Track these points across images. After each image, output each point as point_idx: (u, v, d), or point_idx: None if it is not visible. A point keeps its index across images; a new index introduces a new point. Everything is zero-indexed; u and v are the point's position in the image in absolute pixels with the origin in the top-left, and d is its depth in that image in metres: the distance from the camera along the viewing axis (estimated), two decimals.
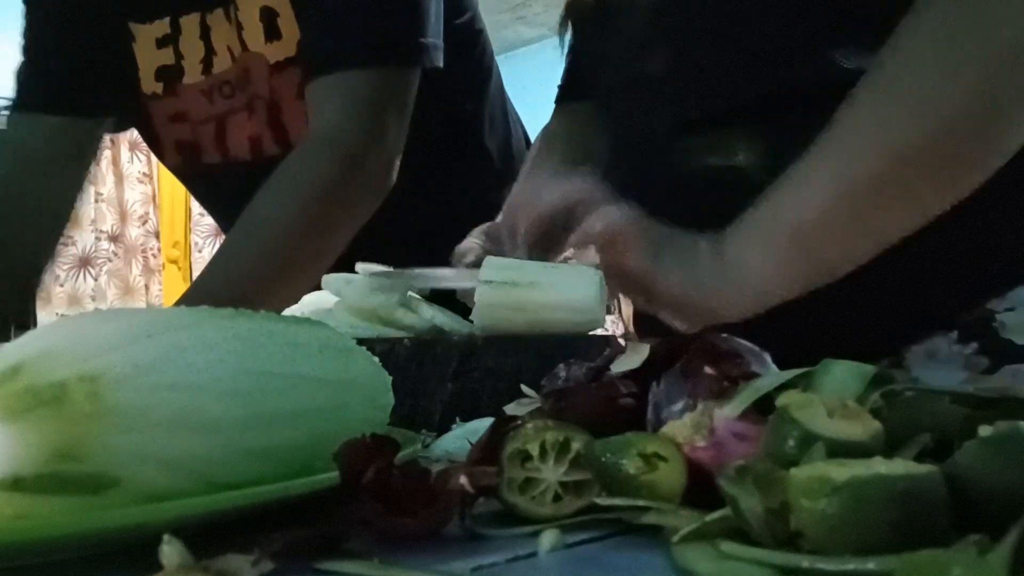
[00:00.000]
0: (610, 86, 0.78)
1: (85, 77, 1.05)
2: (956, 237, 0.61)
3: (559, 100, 0.98)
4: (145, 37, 1.03)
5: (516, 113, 1.18)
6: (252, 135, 1.02)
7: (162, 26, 1.02)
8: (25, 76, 1.08)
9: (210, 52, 1.01)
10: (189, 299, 0.83)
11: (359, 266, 0.69)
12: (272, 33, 0.98)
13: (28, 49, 1.08)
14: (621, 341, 0.58)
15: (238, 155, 1.04)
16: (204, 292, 0.84)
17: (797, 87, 0.63)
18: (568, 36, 0.87)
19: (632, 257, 0.59)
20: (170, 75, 1.04)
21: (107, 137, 1.14)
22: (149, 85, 1.05)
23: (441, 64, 0.94)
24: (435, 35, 0.94)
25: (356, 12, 0.91)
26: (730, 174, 0.65)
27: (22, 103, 1.07)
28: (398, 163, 0.93)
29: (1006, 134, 0.55)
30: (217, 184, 1.08)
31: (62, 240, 1.13)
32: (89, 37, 1.04)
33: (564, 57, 0.96)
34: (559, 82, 0.98)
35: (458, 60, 1.05)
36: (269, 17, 0.98)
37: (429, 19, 0.93)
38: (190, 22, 1.01)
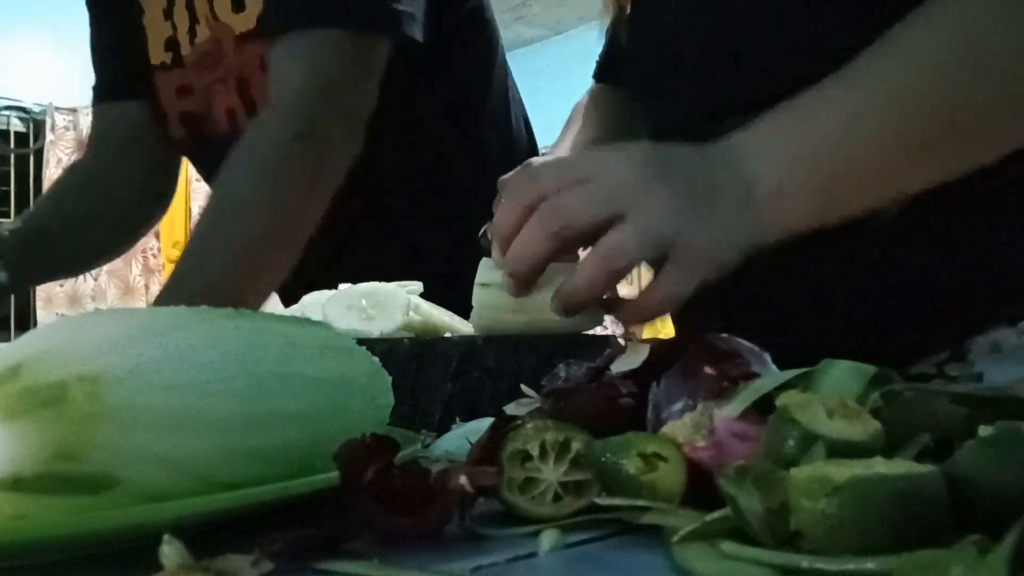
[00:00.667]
0: (647, 69, 0.78)
1: (130, 59, 1.07)
2: (1017, 224, 0.60)
3: (596, 78, 0.97)
4: (153, 9, 1.04)
5: (521, 107, 1.16)
6: (229, 107, 1.02)
7: None
8: (96, 68, 1.13)
9: (194, 22, 1.01)
10: (166, 297, 0.82)
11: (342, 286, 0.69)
12: (238, 3, 0.96)
13: (92, 47, 1.13)
14: (621, 341, 0.58)
15: (221, 128, 1.03)
16: (182, 290, 0.82)
17: (835, 70, 0.62)
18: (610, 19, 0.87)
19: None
20: (175, 46, 1.04)
21: None
22: (158, 55, 1.06)
23: (419, 37, 0.90)
24: (411, 5, 0.90)
25: None
26: None
27: (96, 94, 1.12)
28: (361, 138, 0.89)
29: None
30: (211, 160, 1.09)
31: None
32: (117, 19, 1.07)
33: (604, 36, 0.94)
34: (597, 59, 0.98)
35: (462, 47, 1.05)
36: None
37: None
38: None
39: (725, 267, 0.52)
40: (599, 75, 0.97)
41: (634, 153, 0.53)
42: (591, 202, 0.50)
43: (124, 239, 1.18)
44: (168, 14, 1.03)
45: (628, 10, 0.80)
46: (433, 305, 0.68)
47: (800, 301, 0.65)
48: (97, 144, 1.15)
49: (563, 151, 0.87)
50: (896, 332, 0.63)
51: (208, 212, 0.86)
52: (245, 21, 0.96)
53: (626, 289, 0.59)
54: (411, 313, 0.66)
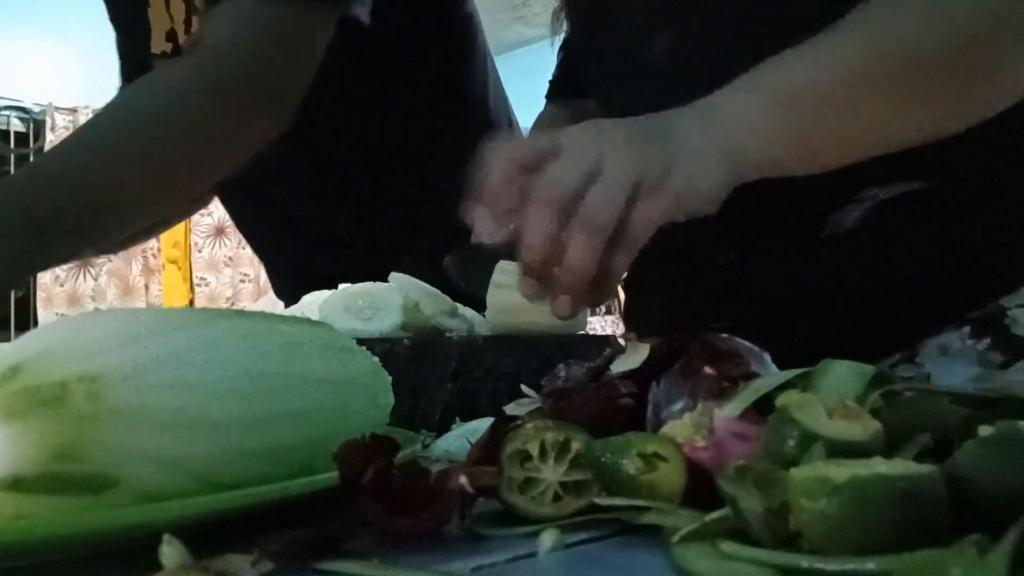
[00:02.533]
0: (612, 78, 0.78)
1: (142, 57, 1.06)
2: (967, 232, 0.61)
3: (550, 96, 0.97)
4: (156, 1, 1.03)
5: (508, 109, 1.15)
6: None
7: None
8: (118, 53, 1.11)
9: (190, 12, 1.00)
10: (29, 180, 0.75)
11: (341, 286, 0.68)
12: None
13: (118, 50, 1.12)
14: (621, 341, 0.58)
15: None
16: (44, 180, 0.74)
17: None
18: (562, 31, 0.86)
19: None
20: (174, 36, 1.04)
21: None
22: (159, 45, 1.04)
23: (363, 18, 0.86)
24: None
25: None
26: None
27: (122, 79, 1.11)
28: (292, 104, 0.84)
29: (1012, 67, 0.55)
30: None
31: None
32: (127, 16, 1.06)
33: (557, 53, 0.94)
34: (550, 78, 0.97)
35: (438, 40, 1.04)
36: None
37: None
38: None
39: (703, 197, 0.53)
40: (552, 93, 0.97)
41: (620, 126, 0.55)
42: (612, 193, 0.51)
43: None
44: (167, 6, 1.03)
45: (583, 24, 0.80)
46: (438, 293, 0.68)
47: (761, 303, 0.66)
48: None
49: None
50: (854, 335, 0.64)
51: (100, 116, 0.80)
52: None
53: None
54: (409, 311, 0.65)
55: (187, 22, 1.00)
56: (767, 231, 0.66)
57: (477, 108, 1.08)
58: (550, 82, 0.97)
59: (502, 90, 1.13)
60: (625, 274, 0.56)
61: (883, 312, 0.65)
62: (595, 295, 0.55)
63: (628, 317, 0.83)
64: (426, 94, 1.02)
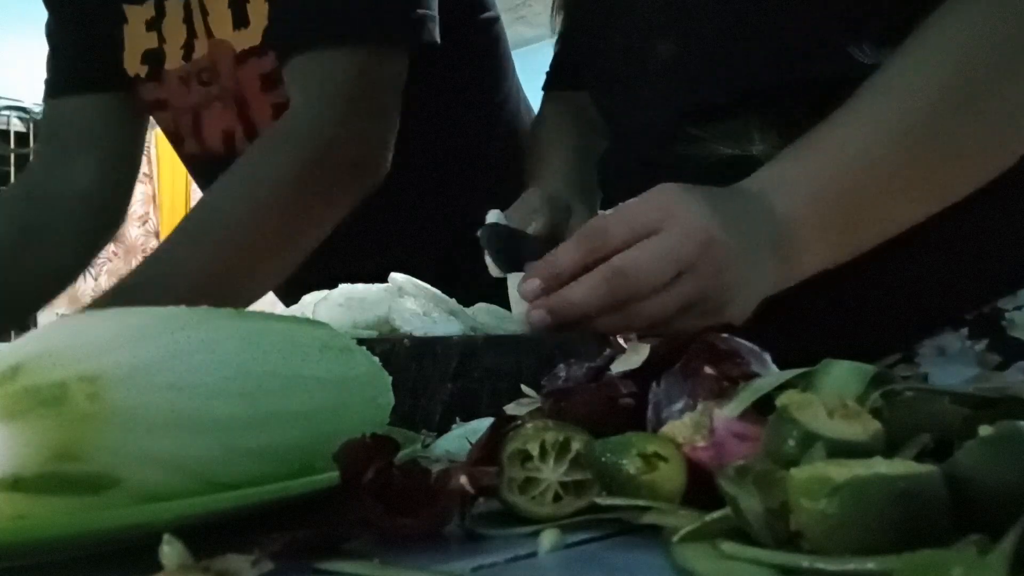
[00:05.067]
0: (611, 77, 0.78)
1: (93, 56, 1.04)
2: (964, 235, 0.61)
3: (548, 87, 0.97)
4: (136, 19, 1.00)
5: (528, 105, 1.14)
6: (226, 128, 0.98)
7: (150, 8, 0.98)
8: (50, 62, 1.08)
9: (191, 36, 0.96)
10: (126, 292, 0.76)
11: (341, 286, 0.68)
12: (240, 20, 0.90)
13: (49, 37, 1.08)
14: (621, 341, 0.58)
15: (213, 147, 0.99)
16: (151, 287, 0.76)
17: (814, 78, 0.62)
18: (560, 22, 0.86)
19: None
20: (154, 59, 1.00)
21: (148, 127, 1.12)
22: (133, 66, 1.01)
23: (436, 39, 0.84)
24: (428, 6, 0.84)
25: None
26: (745, 163, 0.65)
27: (49, 89, 1.07)
28: (388, 156, 0.83)
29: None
30: (200, 175, 1.05)
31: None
32: (90, 18, 1.03)
33: (555, 44, 0.94)
34: (548, 69, 0.97)
35: (474, 59, 1.03)
36: (239, 2, 0.90)
37: None
38: (174, 4, 0.96)
39: (735, 320, 0.55)
40: (550, 84, 0.97)
41: (694, 203, 0.55)
42: (657, 259, 0.52)
43: (80, 252, 1.07)
44: (153, 25, 0.99)
45: (584, 23, 0.80)
46: (437, 293, 0.68)
47: (803, 303, 0.66)
48: (46, 146, 1.07)
49: (548, 183, 0.85)
50: (852, 335, 0.65)
51: (191, 217, 0.81)
52: (248, 38, 0.91)
53: None
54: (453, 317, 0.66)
55: (187, 47, 0.97)
56: None
57: (498, 111, 1.07)
58: (547, 73, 0.97)
59: (522, 90, 1.12)
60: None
61: (881, 313, 0.65)
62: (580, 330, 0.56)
63: None
64: (450, 100, 1.02)
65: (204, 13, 0.94)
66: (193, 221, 0.82)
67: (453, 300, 0.68)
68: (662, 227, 0.52)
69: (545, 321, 0.55)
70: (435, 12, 0.84)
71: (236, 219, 0.80)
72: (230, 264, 0.79)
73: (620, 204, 0.55)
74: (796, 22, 0.64)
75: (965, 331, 0.65)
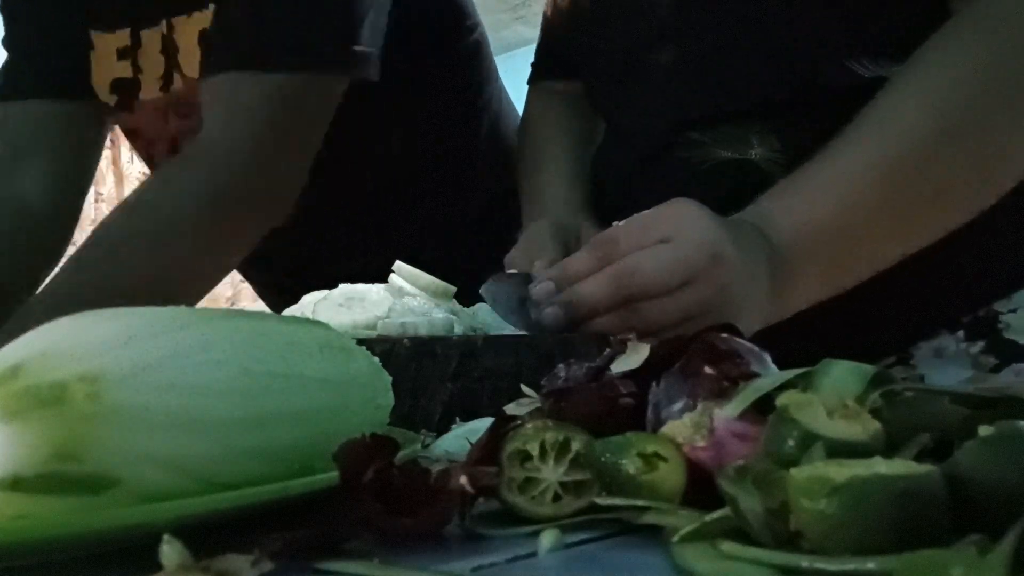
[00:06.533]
0: (614, 75, 0.77)
1: (53, 68, 0.99)
2: (961, 238, 0.61)
3: (533, 80, 0.96)
4: (104, 47, 0.96)
5: (514, 111, 1.14)
6: None
7: (123, 36, 0.95)
8: (5, 66, 1.03)
9: (171, 67, 0.93)
10: (31, 314, 0.71)
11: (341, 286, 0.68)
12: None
13: (7, 47, 1.04)
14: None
15: None
16: (50, 305, 0.73)
17: (813, 86, 0.63)
18: (552, 12, 0.86)
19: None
20: (127, 88, 0.96)
21: (107, 137, 1.09)
22: (103, 95, 0.98)
23: (375, 77, 0.81)
24: (370, 43, 0.80)
25: (272, 13, 0.78)
26: (744, 167, 0.65)
27: (2, 92, 1.02)
28: (296, 192, 0.80)
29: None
30: None
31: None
32: (51, 37, 0.99)
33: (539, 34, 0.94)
34: (532, 61, 0.97)
35: (456, 65, 1.02)
36: (208, 41, 0.87)
37: (361, 23, 0.79)
38: (151, 35, 0.93)
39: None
40: (535, 76, 0.96)
41: (706, 218, 0.56)
42: (666, 264, 0.53)
43: (24, 267, 0.97)
44: (126, 55, 0.94)
45: (589, 23, 0.80)
46: (438, 283, 0.68)
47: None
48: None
49: (553, 197, 0.84)
50: (849, 337, 0.65)
51: (96, 238, 0.78)
52: None
53: None
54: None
55: (165, 78, 0.93)
56: None
57: (485, 116, 1.07)
58: (532, 65, 0.96)
59: (505, 91, 1.12)
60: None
61: (878, 315, 0.65)
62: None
63: None
64: (434, 104, 1.01)
65: (175, 50, 0.91)
66: (95, 244, 0.78)
67: (453, 300, 0.69)
68: (673, 237, 0.53)
69: (559, 319, 0.56)
70: (375, 48, 0.82)
71: (138, 243, 0.77)
72: (128, 288, 0.76)
73: (633, 216, 0.56)
74: (796, 33, 0.64)
75: (961, 333, 0.65)
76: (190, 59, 0.90)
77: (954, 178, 0.57)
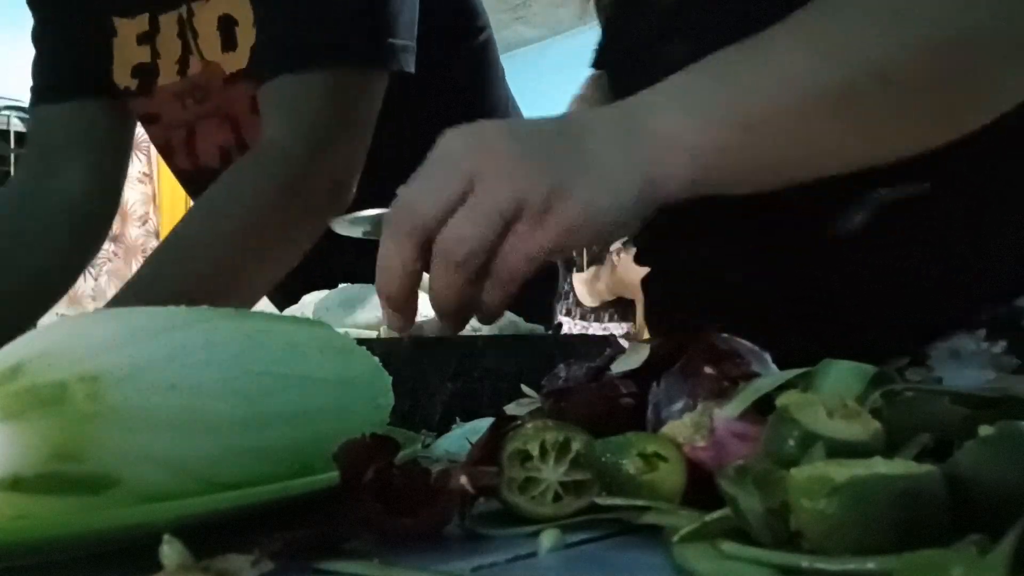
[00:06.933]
0: (630, 69, 0.77)
1: (80, 64, 1.02)
2: (980, 232, 0.60)
3: (593, 66, 0.96)
4: (127, 32, 0.99)
5: (518, 112, 1.15)
6: (222, 144, 0.98)
7: (143, 22, 0.97)
8: (36, 68, 1.07)
9: (187, 52, 0.96)
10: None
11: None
12: (229, 43, 0.91)
13: (35, 42, 1.07)
14: (621, 341, 0.58)
15: (207, 162, 0.99)
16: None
17: None
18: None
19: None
20: (146, 73, 0.99)
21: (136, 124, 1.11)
22: (123, 79, 1.01)
23: (411, 69, 0.86)
24: (405, 36, 0.86)
25: (310, 12, 0.82)
26: None
27: (36, 96, 1.07)
28: (354, 181, 0.84)
29: (995, 82, 0.50)
30: (191, 188, 1.05)
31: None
32: (77, 28, 1.02)
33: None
34: (595, 46, 0.97)
35: (465, 67, 1.02)
36: (227, 25, 0.91)
37: (396, 18, 0.84)
38: (168, 19, 0.96)
39: (606, 225, 0.46)
40: (595, 62, 0.96)
41: (448, 138, 0.49)
42: (478, 223, 0.46)
43: (70, 259, 1.06)
44: (146, 40, 0.98)
45: (612, 13, 0.79)
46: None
47: (804, 303, 0.66)
48: (31, 154, 1.06)
49: None
50: (863, 337, 0.63)
51: (168, 243, 0.83)
52: (236, 60, 0.92)
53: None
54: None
55: (182, 62, 0.96)
56: (769, 232, 0.65)
57: (494, 118, 1.08)
58: (594, 50, 0.96)
59: (511, 95, 1.12)
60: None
61: (893, 314, 0.64)
62: (484, 319, 0.50)
63: (648, 318, 0.82)
64: (441, 106, 1.01)
65: (195, 34, 0.94)
66: (170, 246, 0.83)
67: None
68: (464, 190, 0.46)
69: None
70: (411, 42, 0.86)
71: (212, 244, 0.81)
72: (205, 288, 0.79)
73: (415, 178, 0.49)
74: None
75: (982, 332, 0.62)
76: (208, 44, 0.92)
77: (913, 99, 0.49)
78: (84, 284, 4.00)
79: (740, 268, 0.68)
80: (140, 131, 1.10)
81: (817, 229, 0.63)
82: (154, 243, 4.09)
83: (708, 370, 0.36)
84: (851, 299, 0.62)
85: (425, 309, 0.53)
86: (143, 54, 0.98)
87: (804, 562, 0.25)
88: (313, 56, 0.82)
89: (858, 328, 0.64)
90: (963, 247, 0.60)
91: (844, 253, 0.63)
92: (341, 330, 0.48)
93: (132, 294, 0.80)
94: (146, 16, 0.97)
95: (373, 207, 0.64)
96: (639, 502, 0.31)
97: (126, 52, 1.00)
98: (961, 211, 0.60)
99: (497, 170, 0.46)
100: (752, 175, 0.50)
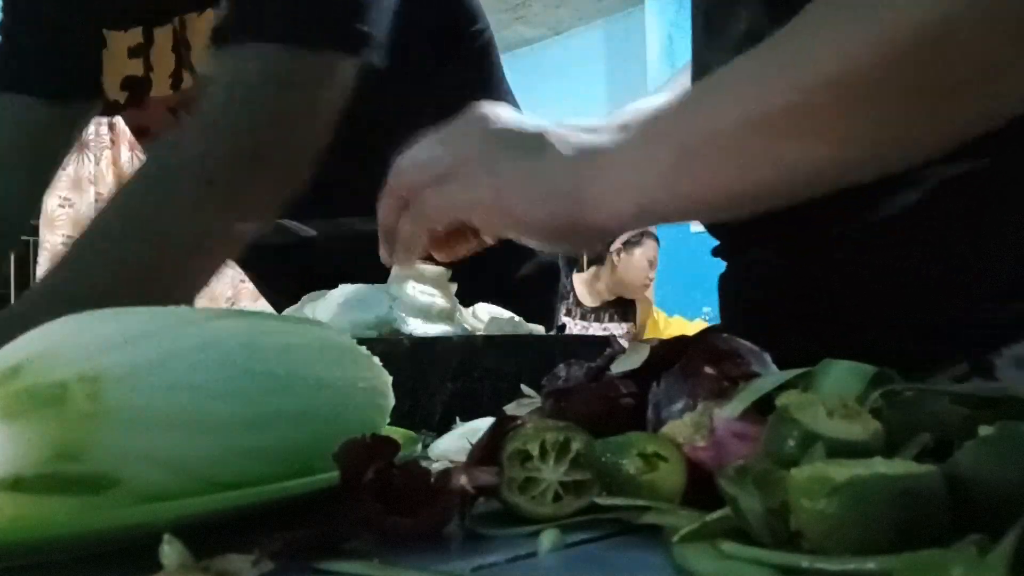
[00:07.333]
0: (696, 48, 0.77)
1: (57, 65, 0.99)
2: (979, 233, 0.58)
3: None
4: (118, 44, 0.97)
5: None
6: None
7: (136, 34, 0.96)
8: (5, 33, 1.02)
9: (180, 66, 0.94)
10: (47, 294, 0.72)
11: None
12: None
13: (3, 30, 1.03)
14: (621, 341, 0.58)
15: None
16: (71, 283, 0.72)
17: None
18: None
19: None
20: (137, 86, 0.97)
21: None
22: (113, 92, 0.99)
23: (377, 62, 0.81)
24: (372, 25, 0.80)
25: None
26: None
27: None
28: (307, 165, 0.79)
29: (944, 97, 0.44)
30: None
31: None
32: (64, 34, 0.99)
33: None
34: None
35: (464, 70, 1.02)
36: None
37: (365, 6, 0.79)
38: (163, 33, 0.94)
39: (533, 224, 0.51)
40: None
41: (479, 136, 0.58)
42: (450, 201, 0.55)
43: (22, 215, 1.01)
44: (139, 52, 0.96)
45: None
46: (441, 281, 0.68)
47: (804, 303, 0.65)
48: None
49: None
50: (859, 336, 0.60)
51: (108, 212, 0.78)
52: None
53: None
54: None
55: (175, 76, 0.94)
56: (814, 216, 0.61)
57: None
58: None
59: (513, 97, 1.12)
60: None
61: (893, 314, 0.62)
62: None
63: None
64: (441, 108, 1.01)
65: (187, 48, 0.92)
66: (108, 214, 0.78)
67: (454, 300, 0.69)
68: (447, 171, 0.56)
69: (405, 262, 0.61)
70: (379, 33, 0.81)
71: (149, 213, 0.76)
72: (147, 259, 0.75)
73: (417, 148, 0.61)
74: None
75: None
76: (201, 57, 0.91)
77: (858, 128, 0.45)
78: None
79: (780, 258, 0.67)
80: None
81: (865, 210, 0.59)
82: None
83: (708, 370, 0.36)
84: (851, 299, 0.62)
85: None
86: (135, 67, 0.96)
87: (804, 562, 0.25)
88: (270, 30, 0.77)
89: (858, 328, 0.63)
90: (963, 247, 0.59)
91: (844, 253, 0.62)
92: (341, 330, 0.48)
93: (41, 291, 0.75)
94: (139, 29, 0.95)
95: (374, 206, 0.64)
96: (639, 502, 0.31)
97: (116, 64, 0.97)
98: (961, 211, 0.59)
99: (466, 168, 0.55)
100: (701, 202, 0.50)
